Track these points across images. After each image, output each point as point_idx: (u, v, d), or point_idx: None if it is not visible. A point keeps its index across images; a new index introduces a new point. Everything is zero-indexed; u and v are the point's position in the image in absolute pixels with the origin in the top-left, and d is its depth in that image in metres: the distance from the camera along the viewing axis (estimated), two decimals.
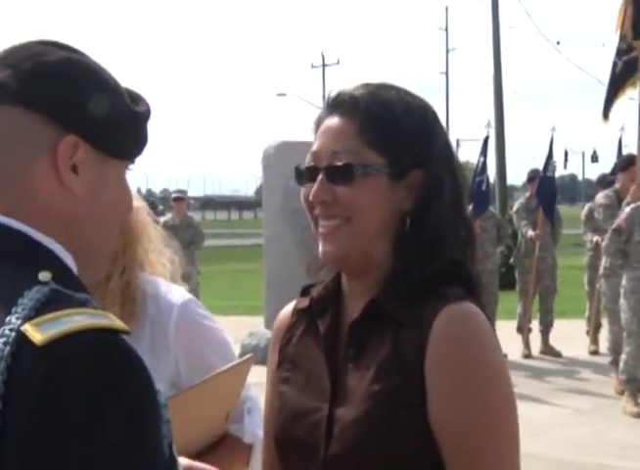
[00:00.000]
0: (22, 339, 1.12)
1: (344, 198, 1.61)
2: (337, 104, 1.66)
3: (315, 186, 1.63)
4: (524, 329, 11.04)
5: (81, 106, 1.28)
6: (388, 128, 1.62)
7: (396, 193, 1.63)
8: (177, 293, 2.30)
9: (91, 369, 1.12)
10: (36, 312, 1.14)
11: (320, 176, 1.63)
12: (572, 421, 7.82)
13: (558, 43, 35.67)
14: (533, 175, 11.48)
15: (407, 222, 1.62)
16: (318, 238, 1.65)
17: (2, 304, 1.17)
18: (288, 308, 1.82)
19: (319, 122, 1.68)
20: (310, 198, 1.64)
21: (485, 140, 11.56)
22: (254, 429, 2.30)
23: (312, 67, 54.84)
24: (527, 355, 10.83)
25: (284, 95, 53.95)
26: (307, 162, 1.67)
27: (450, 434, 1.53)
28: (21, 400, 1.10)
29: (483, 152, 11.45)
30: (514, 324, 10.98)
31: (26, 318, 1.14)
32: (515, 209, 11.76)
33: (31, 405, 1.09)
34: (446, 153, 1.68)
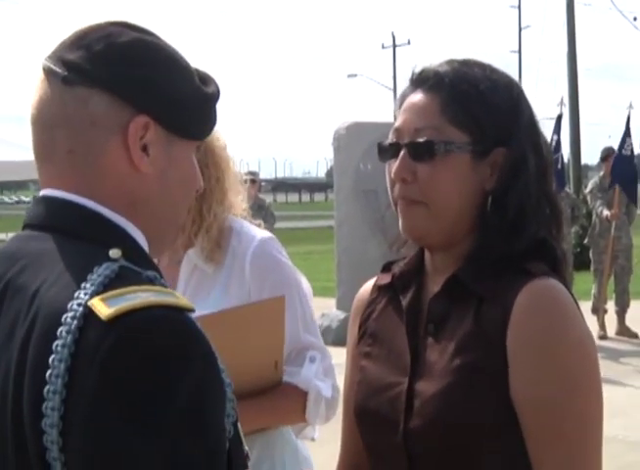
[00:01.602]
0: (89, 313, 1.15)
1: (425, 177, 1.60)
2: (421, 80, 1.65)
3: (397, 163, 1.63)
4: (599, 310, 10.90)
5: (153, 87, 1.29)
6: (473, 106, 1.60)
7: (479, 171, 1.61)
8: (260, 231, 2.44)
9: (156, 343, 1.15)
10: (104, 288, 1.17)
11: (402, 153, 1.62)
12: None
13: (635, 19, 34.83)
14: (607, 154, 11.28)
15: (489, 201, 1.61)
16: (398, 216, 1.65)
17: (73, 279, 1.20)
18: (368, 285, 1.83)
19: (403, 99, 1.67)
20: (392, 175, 1.64)
21: (559, 118, 11.41)
22: (311, 377, 2.35)
23: (383, 47, 54.59)
24: (603, 337, 10.68)
25: (354, 76, 53.88)
26: (390, 138, 1.66)
27: (533, 409, 1.53)
28: (87, 372, 1.13)
29: (557, 130, 11.29)
30: (589, 305, 10.82)
31: (94, 294, 1.17)
32: (589, 188, 11.58)
33: (97, 377, 1.12)
34: (531, 128, 1.66)
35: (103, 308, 1.14)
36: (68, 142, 1.29)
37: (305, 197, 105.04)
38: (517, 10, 47.73)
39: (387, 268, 1.79)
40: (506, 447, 1.56)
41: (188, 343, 1.17)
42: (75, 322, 1.15)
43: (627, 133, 11.16)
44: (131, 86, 1.28)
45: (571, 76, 23.51)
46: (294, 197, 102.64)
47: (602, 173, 11.34)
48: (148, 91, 1.29)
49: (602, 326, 10.85)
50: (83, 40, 1.30)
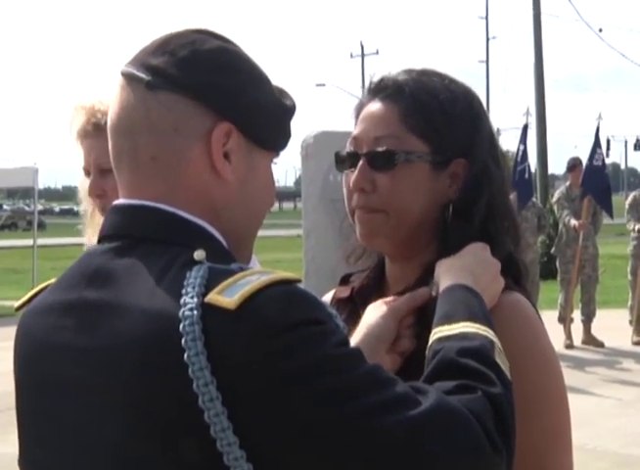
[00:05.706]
0: (207, 312, 1.15)
1: (385, 187, 1.57)
2: (380, 89, 1.63)
3: (356, 173, 1.59)
4: (565, 319, 10.95)
5: (236, 95, 1.29)
6: (433, 115, 1.58)
7: (439, 182, 1.59)
8: None
9: (291, 317, 1.16)
10: (206, 289, 1.17)
11: (361, 163, 1.59)
12: (616, 412, 7.75)
13: (600, 30, 35.18)
14: (574, 164, 11.34)
15: (449, 212, 1.58)
16: (355, 226, 1.62)
17: (170, 289, 1.19)
18: (326, 298, 1.76)
19: (360, 108, 1.65)
20: (350, 185, 1.60)
21: (525, 128, 11.44)
22: None
23: (351, 56, 54.77)
24: (569, 346, 10.73)
25: (323, 85, 54.05)
26: (348, 147, 1.63)
27: None
28: (239, 367, 1.13)
29: (523, 140, 11.31)
30: (555, 314, 10.85)
31: (200, 295, 1.16)
32: (555, 198, 11.63)
33: (260, 366, 1.13)
34: (491, 141, 1.64)
35: (225, 301, 1.14)
36: (151, 148, 1.28)
37: (274, 205, 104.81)
38: (484, 21, 48.07)
39: (345, 280, 1.75)
40: None
41: (314, 307, 1.20)
42: (197, 327, 1.14)
43: (597, 144, 11.17)
44: (215, 93, 1.28)
45: (537, 87, 23.65)
46: None
47: (568, 183, 11.40)
48: (231, 99, 1.29)
49: (568, 335, 10.90)
50: (167, 46, 1.30)
